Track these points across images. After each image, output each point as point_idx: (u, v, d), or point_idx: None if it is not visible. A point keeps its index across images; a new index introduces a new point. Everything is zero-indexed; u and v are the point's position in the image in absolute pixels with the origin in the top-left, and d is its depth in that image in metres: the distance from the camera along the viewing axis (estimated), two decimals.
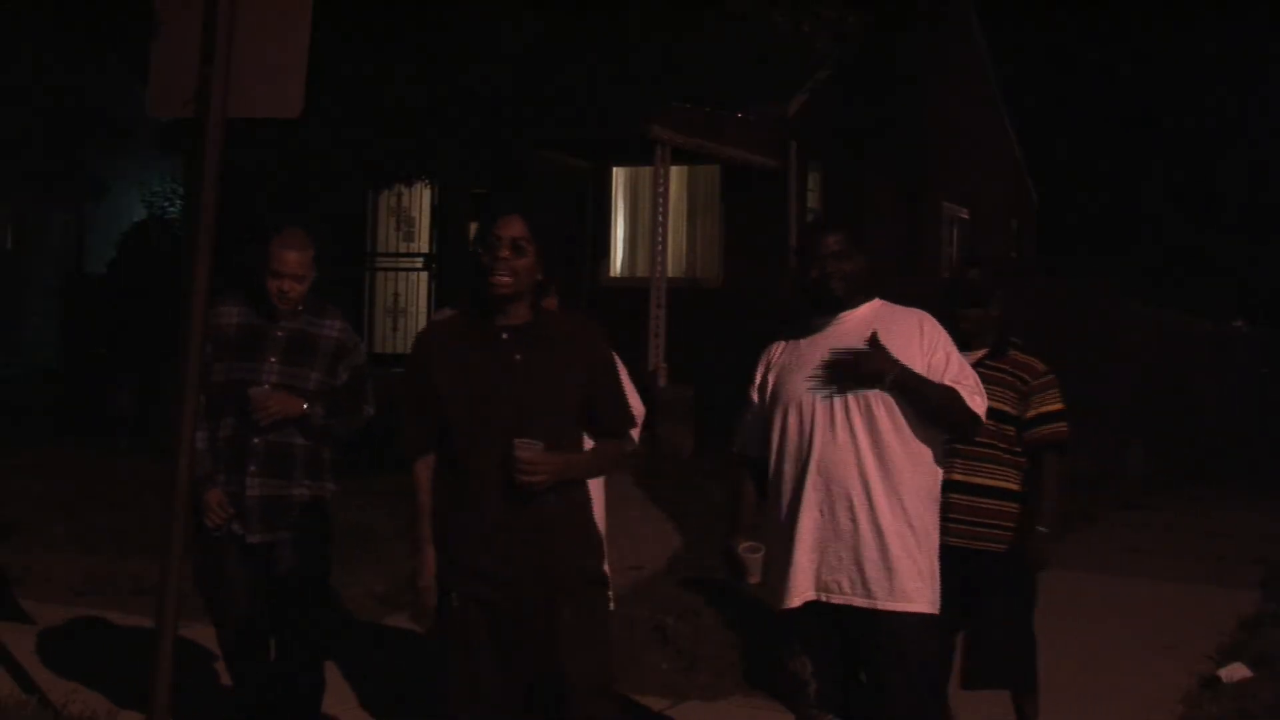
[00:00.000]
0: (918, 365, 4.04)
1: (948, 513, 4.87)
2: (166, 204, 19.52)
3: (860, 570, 4.00)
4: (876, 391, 4.01)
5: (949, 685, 5.17)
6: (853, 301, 4.16)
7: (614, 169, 16.82)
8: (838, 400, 4.04)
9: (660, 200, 14.91)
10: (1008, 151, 24.45)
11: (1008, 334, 5.16)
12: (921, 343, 4.08)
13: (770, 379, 4.24)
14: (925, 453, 4.07)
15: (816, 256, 4.14)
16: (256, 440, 4.78)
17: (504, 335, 3.80)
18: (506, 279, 3.75)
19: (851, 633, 4.05)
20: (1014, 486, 5.05)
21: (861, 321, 4.13)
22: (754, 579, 4.21)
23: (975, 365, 4.99)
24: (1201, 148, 30.96)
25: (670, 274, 15.22)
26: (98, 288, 16.84)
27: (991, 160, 23.36)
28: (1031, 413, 5.05)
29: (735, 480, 4.42)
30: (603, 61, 12.14)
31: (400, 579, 8.13)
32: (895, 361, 3.99)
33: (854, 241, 4.18)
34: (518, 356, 3.78)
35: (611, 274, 16.80)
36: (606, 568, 4.10)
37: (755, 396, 4.30)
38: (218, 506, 4.77)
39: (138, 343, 14.61)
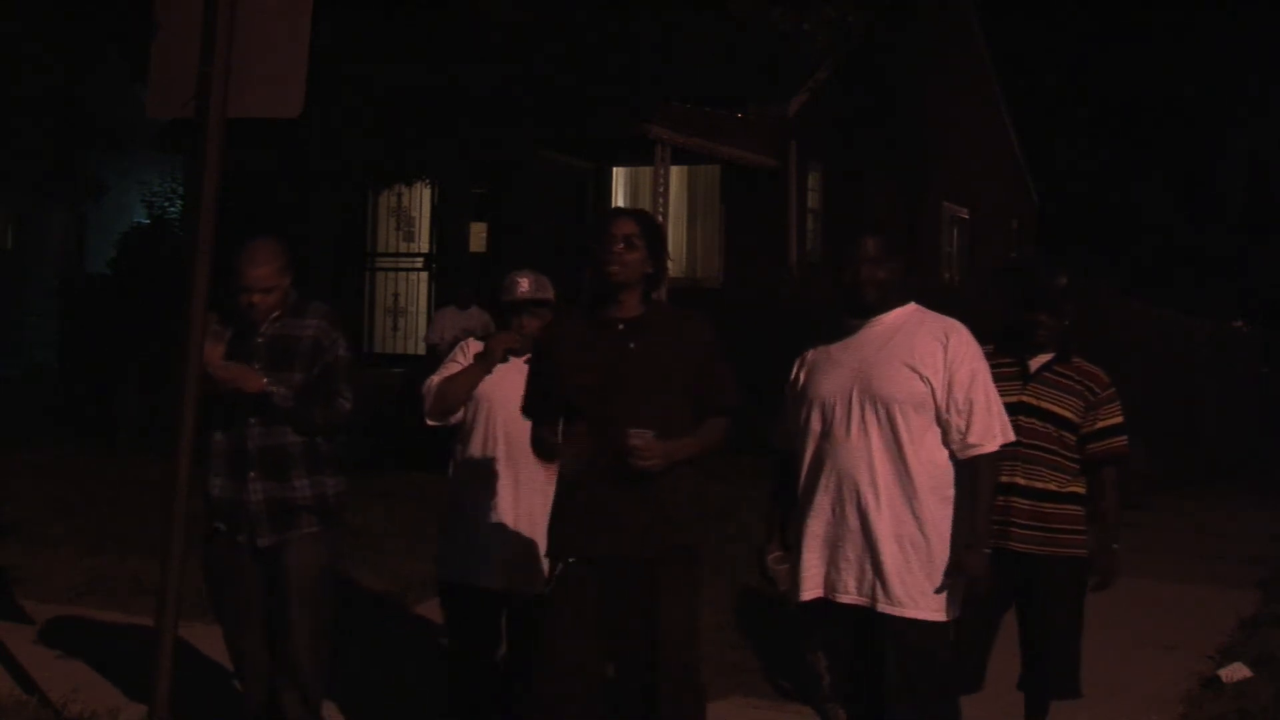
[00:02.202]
0: (937, 377, 4.06)
1: (1009, 516, 4.89)
2: (167, 204, 19.52)
3: (867, 572, 4.04)
4: (895, 396, 4.04)
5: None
6: (885, 306, 4.18)
7: (614, 169, 16.83)
8: (855, 403, 4.08)
9: (660, 200, 14.92)
10: (1008, 151, 24.45)
11: (1071, 341, 5.16)
12: (945, 356, 4.08)
13: (801, 377, 4.31)
14: (941, 459, 4.08)
15: (853, 260, 4.18)
16: (252, 446, 4.77)
17: (620, 326, 4.13)
18: (617, 269, 4.11)
19: (859, 632, 4.09)
20: (1079, 489, 5.05)
21: (892, 326, 4.17)
22: (784, 588, 4.33)
23: (1042, 369, 5.00)
24: (1201, 147, 30.96)
25: (670, 274, 15.20)
26: (98, 288, 16.83)
27: (992, 160, 23.37)
28: (1097, 425, 5.05)
29: (773, 477, 4.49)
30: (603, 61, 12.14)
31: (397, 577, 8.15)
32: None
33: (891, 247, 4.22)
34: (632, 345, 4.10)
35: None
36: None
37: (788, 393, 4.37)
38: None
39: (138, 343, 14.60)
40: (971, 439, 4.06)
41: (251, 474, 4.77)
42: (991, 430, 4.08)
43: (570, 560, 4.10)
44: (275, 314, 4.85)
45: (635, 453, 3.94)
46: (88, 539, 8.94)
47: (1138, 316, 16.29)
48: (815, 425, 4.17)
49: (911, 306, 4.23)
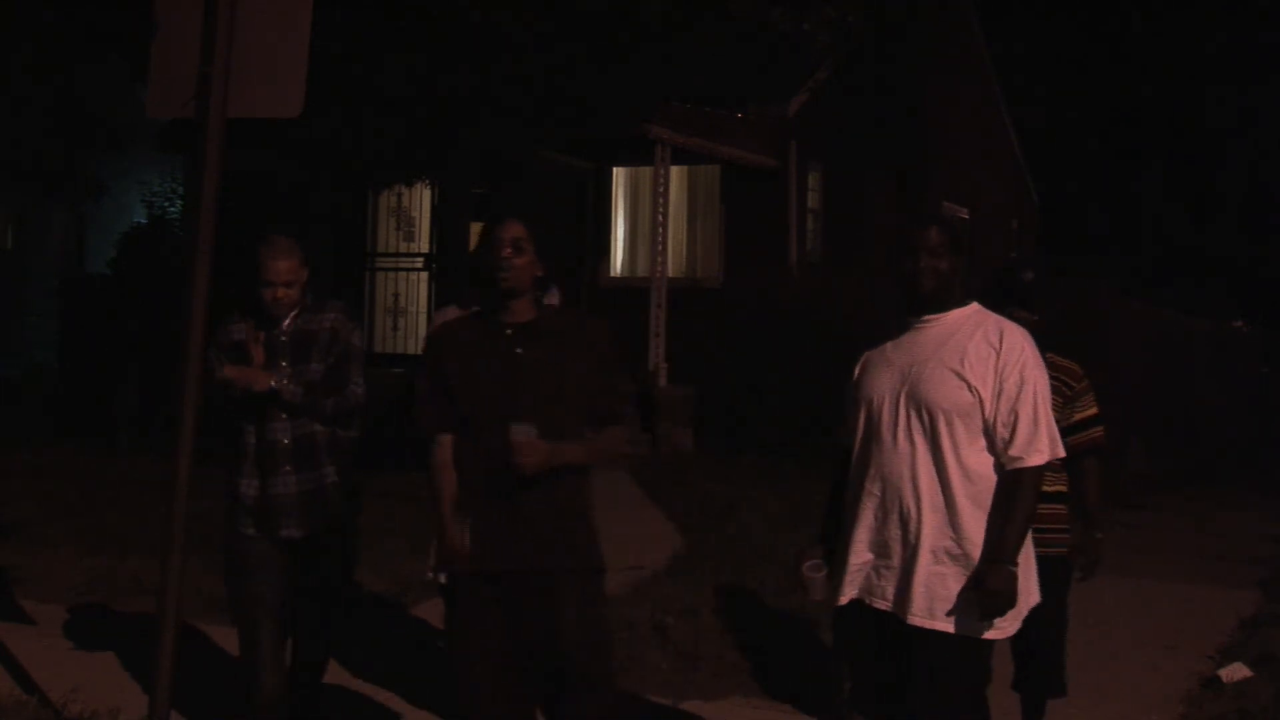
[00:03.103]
0: (986, 386, 3.90)
1: None
2: (167, 204, 19.54)
3: (904, 583, 3.92)
4: (940, 405, 3.90)
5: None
6: (941, 303, 4.02)
7: (614, 169, 16.82)
8: (902, 407, 3.96)
9: (660, 200, 14.92)
10: (1008, 151, 24.45)
11: (1044, 337, 5.15)
12: (996, 363, 3.92)
13: (858, 373, 4.17)
14: (985, 469, 3.93)
15: (913, 248, 4.00)
16: (285, 440, 4.92)
17: (508, 331, 4.05)
18: (507, 275, 4.01)
19: (892, 641, 3.96)
20: (1062, 488, 5.07)
21: (950, 327, 4.00)
22: (816, 597, 4.22)
23: None
24: (1202, 147, 30.96)
25: (670, 274, 15.22)
26: (98, 288, 16.84)
27: (992, 160, 23.37)
28: (1075, 418, 5.08)
29: (833, 476, 4.32)
30: (603, 61, 12.14)
31: (397, 577, 8.15)
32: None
33: (954, 240, 4.04)
34: (519, 351, 4.03)
35: (612, 274, 16.80)
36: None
37: (848, 390, 4.21)
38: None
39: (138, 343, 14.61)
40: (1014, 451, 3.90)
41: (286, 467, 4.92)
42: (1037, 443, 3.91)
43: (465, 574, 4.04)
44: (296, 310, 5.00)
45: (516, 450, 3.85)
46: (88, 539, 8.94)
47: (1138, 316, 16.31)
48: (863, 426, 4.06)
49: (973, 307, 4.06)
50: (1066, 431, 5.00)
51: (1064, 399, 5.04)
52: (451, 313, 13.89)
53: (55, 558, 8.46)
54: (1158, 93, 31.04)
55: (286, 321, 5.00)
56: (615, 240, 16.97)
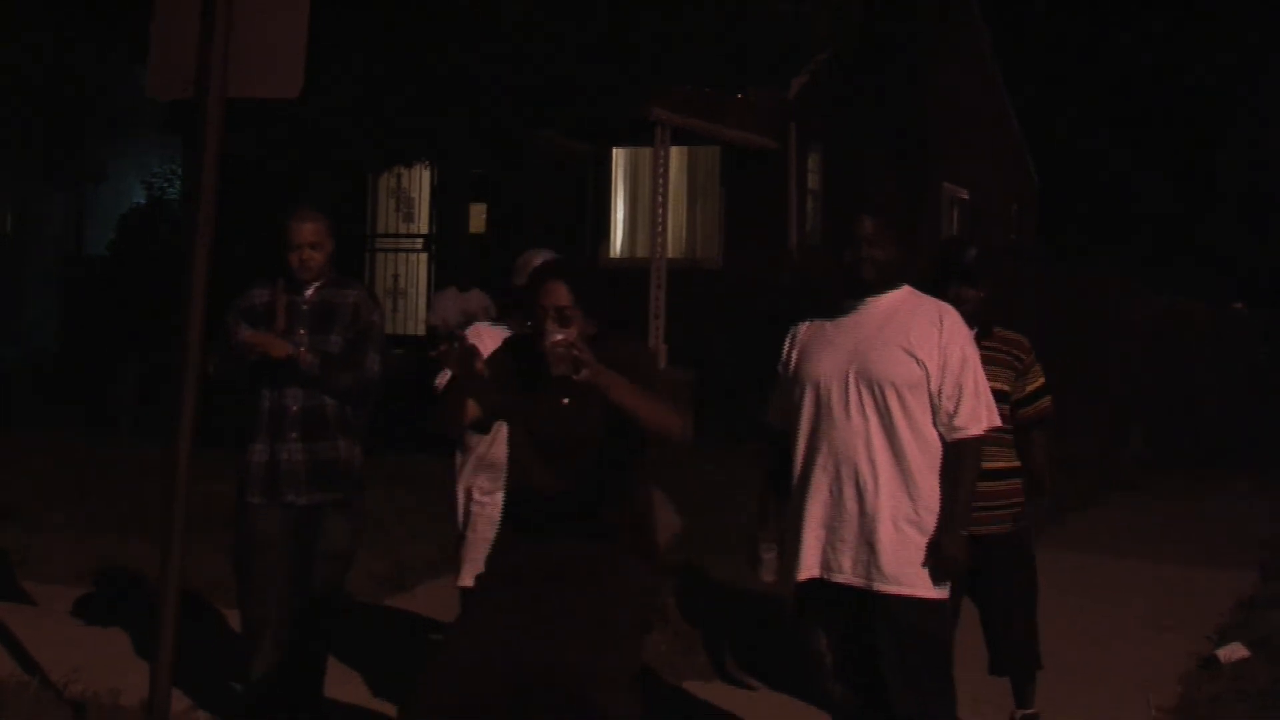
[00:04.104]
0: (932, 360, 4.08)
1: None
2: (166, 185, 19.50)
3: (863, 553, 4.06)
4: (891, 379, 4.06)
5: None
6: (882, 287, 4.19)
7: (614, 150, 16.81)
8: (852, 384, 4.10)
9: (660, 181, 14.90)
10: (1009, 134, 24.42)
11: (990, 313, 5.20)
12: (940, 339, 4.11)
13: (794, 356, 4.31)
14: (933, 438, 4.10)
15: (853, 238, 4.18)
16: (294, 407, 4.96)
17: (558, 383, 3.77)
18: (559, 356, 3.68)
19: (856, 613, 4.10)
20: (1015, 464, 5.11)
21: (889, 309, 4.18)
22: (768, 578, 4.36)
23: None
24: (1202, 130, 30.91)
25: (670, 255, 15.21)
26: (98, 271, 16.84)
27: (992, 142, 23.33)
28: (1027, 389, 5.13)
29: (769, 460, 4.48)
30: (603, 42, 12.11)
31: (399, 561, 8.16)
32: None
33: (892, 228, 4.20)
34: (565, 401, 3.86)
35: (611, 255, 16.80)
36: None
37: (781, 371, 4.37)
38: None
39: (139, 326, 14.62)
40: (959, 422, 4.09)
41: (293, 434, 4.94)
42: (978, 414, 4.11)
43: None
44: (321, 281, 5.04)
45: (556, 355, 3.59)
46: (89, 521, 8.96)
47: (1137, 299, 16.29)
48: (810, 406, 4.18)
49: (905, 290, 4.24)
50: (1020, 403, 5.11)
51: (1016, 372, 5.10)
52: (451, 294, 13.75)
53: (56, 540, 8.48)
54: (1158, 75, 30.98)
55: (310, 291, 5.05)
56: (615, 222, 16.96)
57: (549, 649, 3.70)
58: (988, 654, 5.22)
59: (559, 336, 3.63)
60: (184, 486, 4.77)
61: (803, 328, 4.34)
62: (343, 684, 5.73)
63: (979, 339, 5.06)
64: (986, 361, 4.94)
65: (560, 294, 3.82)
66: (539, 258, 4.77)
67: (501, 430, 4.77)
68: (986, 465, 4.97)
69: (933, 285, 5.04)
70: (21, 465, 10.61)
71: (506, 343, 4.13)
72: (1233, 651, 6.67)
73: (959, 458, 4.09)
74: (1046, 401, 5.19)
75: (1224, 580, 8.74)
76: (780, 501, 4.37)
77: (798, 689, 5.89)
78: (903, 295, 4.22)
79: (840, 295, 4.26)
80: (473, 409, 3.86)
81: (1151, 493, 13.17)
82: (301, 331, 4.99)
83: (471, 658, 3.72)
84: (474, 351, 3.71)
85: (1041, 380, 5.19)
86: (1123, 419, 14.35)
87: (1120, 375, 14.29)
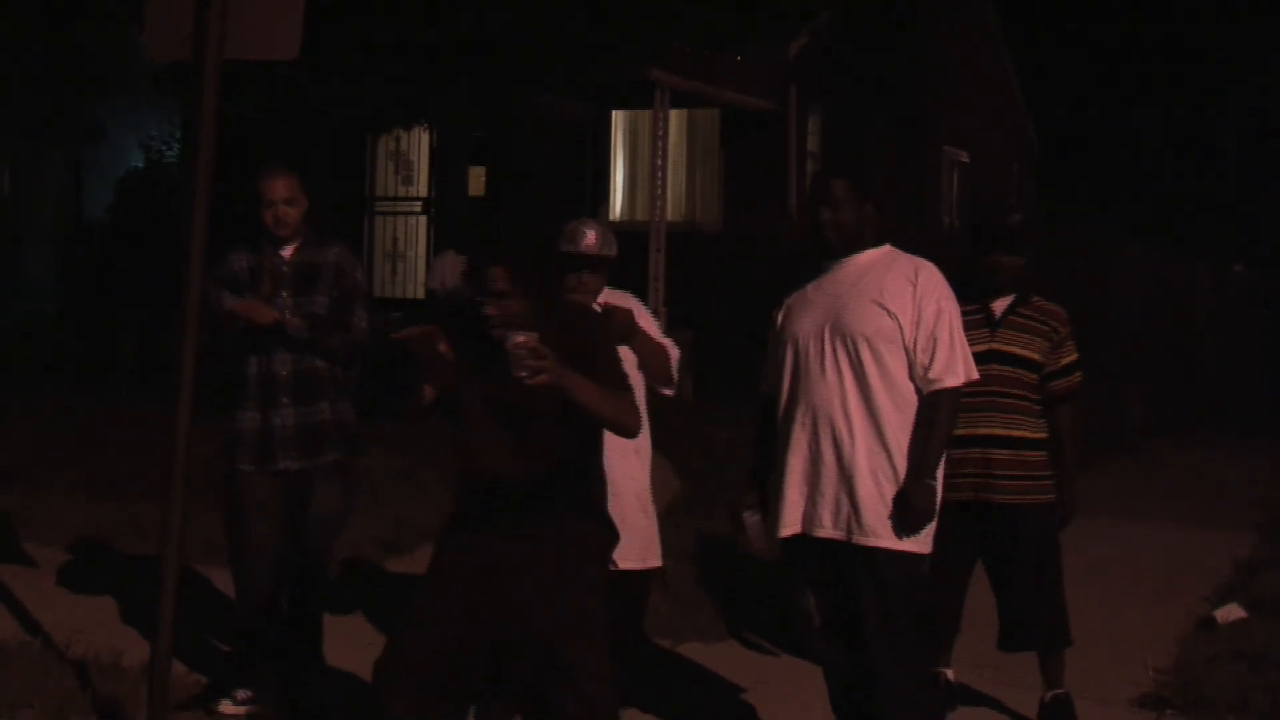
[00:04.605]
0: (906, 313, 4.10)
1: (990, 469, 4.91)
2: (165, 148, 19.42)
3: (843, 506, 4.10)
4: (864, 332, 4.09)
5: (953, 641, 5.25)
6: (851, 249, 4.21)
7: (613, 113, 16.74)
8: (828, 340, 4.14)
9: (660, 144, 14.85)
10: (1009, 96, 24.31)
11: (1029, 282, 5.17)
12: (914, 293, 4.12)
13: (780, 319, 4.36)
14: (910, 392, 4.13)
15: (818, 202, 4.23)
16: (284, 372, 4.92)
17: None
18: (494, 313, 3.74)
19: (837, 567, 4.15)
20: (1041, 435, 5.08)
21: (864, 266, 4.21)
22: (752, 545, 4.41)
23: (1007, 313, 5.02)
24: (1202, 92, 30.76)
25: (670, 218, 15.17)
26: (97, 233, 16.80)
27: (993, 104, 23.23)
28: (1061, 362, 5.09)
29: (756, 424, 4.50)
30: (602, 3, 12.04)
31: (398, 523, 8.18)
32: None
33: (859, 190, 4.22)
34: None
35: (611, 218, 16.74)
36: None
37: (770, 337, 4.40)
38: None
39: (138, 288, 14.59)
40: (933, 374, 4.10)
41: (284, 399, 4.92)
42: (954, 366, 4.12)
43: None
44: (299, 242, 4.99)
45: (517, 357, 3.48)
46: (89, 484, 8.97)
47: (1137, 261, 16.26)
48: (790, 364, 4.24)
49: (886, 248, 4.26)
50: (1052, 376, 5.06)
51: (1051, 343, 5.07)
52: (450, 258, 13.67)
53: (57, 503, 8.50)
54: (1158, 36, 30.81)
55: (288, 251, 5.00)
56: (614, 184, 16.91)
57: (512, 609, 3.72)
58: (1000, 628, 5.17)
59: (520, 339, 3.50)
60: (184, 449, 4.76)
61: (791, 296, 4.37)
62: (341, 646, 5.75)
63: (1017, 307, 5.05)
64: (1023, 330, 4.97)
65: (498, 276, 3.73)
66: (589, 229, 4.73)
67: None
68: (1025, 434, 4.97)
69: (978, 251, 5.04)
70: (21, 427, 10.62)
71: (455, 318, 4.04)
72: (1230, 612, 6.71)
73: (933, 408, 4.10)
74: (1078, 376, 5.14)
75: (1222, 542, 8.77)
76: (765, 465, 4.39)
77: (799, 649, 5.91)
78: (881, 253, 4.24)
79: (819, 257, 4.29)
80: (429, 392, 3.79)
81: (1149, 455, 13.19)
82: (285, 294, 4.94)
83: (439, 621, 3.73)
84: (436, 333, 3.70)
85: (1075, 355, 5.13)
86: (1122, 382, 14.35)
87: (1119, 337, 14.28)
